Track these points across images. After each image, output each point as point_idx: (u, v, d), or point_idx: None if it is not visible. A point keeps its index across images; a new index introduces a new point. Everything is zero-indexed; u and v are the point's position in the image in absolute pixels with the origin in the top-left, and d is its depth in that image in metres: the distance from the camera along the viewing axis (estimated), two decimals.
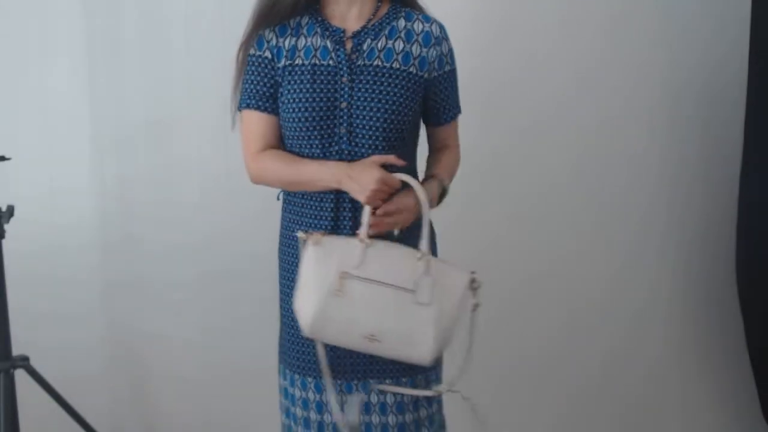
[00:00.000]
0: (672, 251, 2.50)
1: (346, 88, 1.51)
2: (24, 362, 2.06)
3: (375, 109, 1.51)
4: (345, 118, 1.51)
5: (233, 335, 2.42)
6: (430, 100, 1.61)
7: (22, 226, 2.10)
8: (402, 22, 1.56)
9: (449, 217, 2.35)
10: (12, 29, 2.41)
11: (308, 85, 1.51)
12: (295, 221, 1.58)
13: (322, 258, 1.46)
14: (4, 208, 2.04)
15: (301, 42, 1.54)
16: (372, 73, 1.52)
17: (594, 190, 2.44)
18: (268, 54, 1.55)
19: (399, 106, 1.52)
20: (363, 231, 1.46)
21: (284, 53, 1.54)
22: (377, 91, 1.51)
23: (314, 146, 1.52)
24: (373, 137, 1.51)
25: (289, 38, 1.55)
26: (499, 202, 2.43)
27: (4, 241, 2.04)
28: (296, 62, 1.53)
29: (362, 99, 1.51)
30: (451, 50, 1.61)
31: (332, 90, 1.51)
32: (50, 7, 2.40)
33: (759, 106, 2.21)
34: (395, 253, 1.48)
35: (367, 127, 1.51)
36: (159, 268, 2.48)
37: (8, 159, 2.04)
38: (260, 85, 1.56)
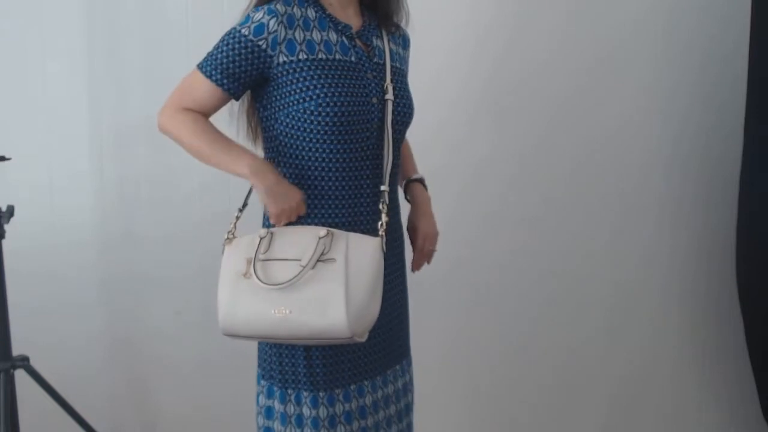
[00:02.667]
0: (672, 251, 2.50)
1: (373, 85, 1.52)
2: (24, 362, 2.06)
3: (401, 105, 1.57)
4: (376, 113, 1.52)
5: None
6: None
7: (22, 225, 2.10)
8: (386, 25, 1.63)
9: (450, 218, 2.35)
10: (12, 29, 2.41)
11: (339, 80, 1.48)
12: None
13: (232, 252, 1.51)
14: (4, 208, 2.04)
15: (316, 36, 1.50)
16: (395, 73, 1.58)
17: (593, 190, 2.44)
18: (263, 43, 1.46)
19: (412, 101, 1.61)
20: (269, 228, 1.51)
21: (297, 46, 1.48)
22: (398, 89, 1.57)
23: (347, 141, 1.50)
24: (397, 131, 1.57)
25: (299, 30, 1.49)
26: (502, 203, 2.43)
27: (4, 241, 2.04)
28: (318, 56, 1.48)
29: (395, 97, 1.55)
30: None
31: (362, 86, 1.51)
32: (50, 7, 2.40)
33: (759, 106, 2.21)
34: (301, 232, 1.49)
35: (398, 123, 1.56)
36: (158, 266, 2.48)
37: (8, 159, 2.04)
38: (238, 68, 1.48)
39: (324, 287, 1.42)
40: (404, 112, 1.58)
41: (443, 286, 2.41)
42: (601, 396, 2.51)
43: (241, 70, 1.48)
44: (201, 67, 1.51)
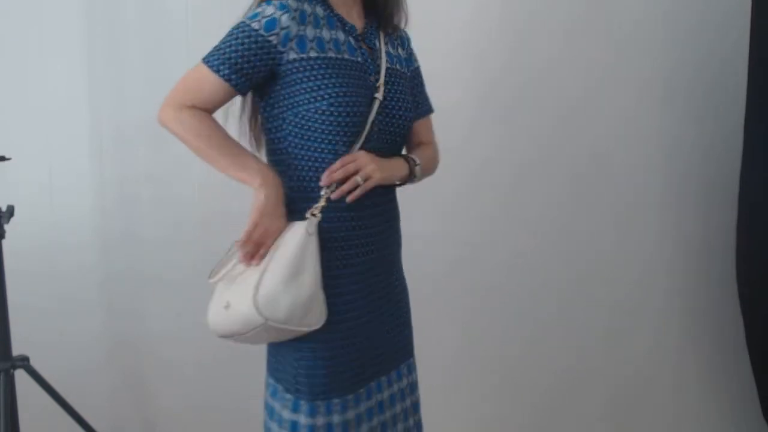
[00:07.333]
0: (672, 251, 2.50)
1: (375, 86, 1.51)
2: (24, 362, 2.06)
3: (402, 109, 1.55)
4: (376, 116, 1.49)
5: None
6: None
7: (22, 225, 2.10)
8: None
9: (452, 218, 2.35)
10: (12, 29, 2.41)
11: (349, 80, 1.46)
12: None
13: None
14: (4, 208, 2.04)
15: (326, 34, 1.48)
16: (391, 75, 1.54)
17: (594, 191, 2.44)
18: (273, 39, 1.42)
19: (412, 105, 1.59)
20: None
21: (308, 43, 1.45)
22: (398, 92, 1.55)
23: (344, 143, 1.46)
24: (397, 135, 1.55)
25: (310, 27, 1.46)
26: (503, 205, 2.43)
27: (4, 241, 2.04)
28: (329, 55, 1.46)
29: (391, 99, 1.52)
30: (412, 48, 1.68)
31: (366, 87, 1.49)
32: (50, 7, 2.41)
33: (759, 106, 2.21)
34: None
35: (394, 125, 1.53)
36: (158, 266, 2.48)
37: (8, 159, 2.04)
38: (247, 63, 1.43)
39: (250, 275, 1.43)
40: (397, 114, 1.54)
41: (444, 287, 2.41)
42: (601, 396, 2.51)
43: (249, 65, 1.43)
44: (207, 61, 1.44)
